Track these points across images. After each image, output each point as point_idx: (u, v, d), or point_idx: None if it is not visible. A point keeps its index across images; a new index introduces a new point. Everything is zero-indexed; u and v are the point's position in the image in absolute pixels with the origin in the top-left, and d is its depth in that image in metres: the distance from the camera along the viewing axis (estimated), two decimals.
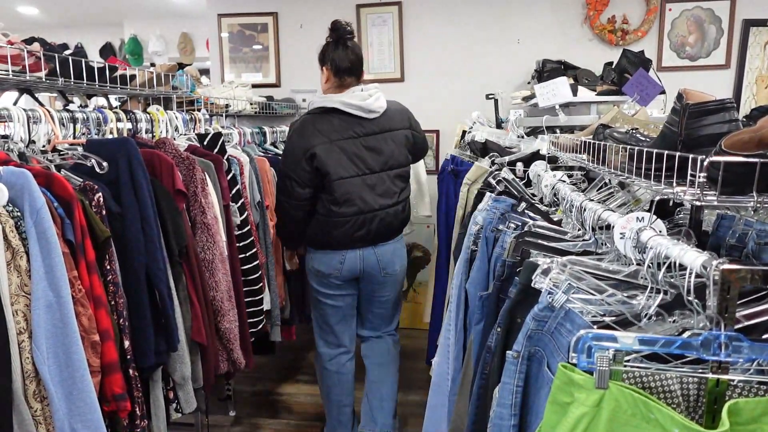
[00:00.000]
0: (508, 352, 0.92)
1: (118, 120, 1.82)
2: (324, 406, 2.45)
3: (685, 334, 0.71)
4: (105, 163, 1.47)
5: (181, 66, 3.43)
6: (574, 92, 2.63)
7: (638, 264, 0.89)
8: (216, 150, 2.13)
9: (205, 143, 2.14)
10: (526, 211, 1.41)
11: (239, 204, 2.17)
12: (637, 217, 0.91)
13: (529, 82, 3.57)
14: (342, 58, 2.15)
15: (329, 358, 2.36)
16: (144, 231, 1.50)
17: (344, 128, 2.09)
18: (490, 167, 2.07)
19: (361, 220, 2.11)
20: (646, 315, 0.80)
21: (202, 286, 1.77)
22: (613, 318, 0.82)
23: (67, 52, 1.97)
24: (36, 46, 1.65)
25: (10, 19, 5.32)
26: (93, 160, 1.47)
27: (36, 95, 2.03)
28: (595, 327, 0.79)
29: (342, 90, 2.16)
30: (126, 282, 1.46)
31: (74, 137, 1.66)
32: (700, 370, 0.71)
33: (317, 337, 2.39)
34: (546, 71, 3.22)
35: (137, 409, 1.45)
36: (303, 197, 2.11)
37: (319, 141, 2.06)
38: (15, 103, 1.84)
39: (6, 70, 1.54)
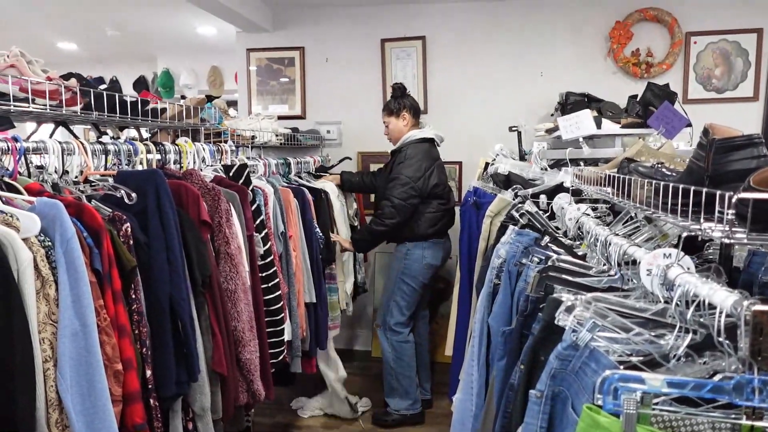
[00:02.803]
0: (531, 391, 0.89)
1: (148, 152, 1.87)
2: (397, 382, 3.09)
3: (717, 377, 0.69)
4: (134, 194, 1.50)
5: (209, 98, 3.52)
6: (598, 125, 2.62)
7: (666, 302, 0.86)
8: (241, 181, 2.16)
9: (231, 174, 2.18)
10: (549, 245, 1.39)
11: (263, 234, 2.19)
12: (665, 253, 0.88)
13: (552, 115, 3.57)
14: (415, 103, 3.17)
15: (408, 332, 3.10)
16: (169, 261, 1.52)
17: (435, 152, 3.12)
18: (513, 199, 2.06)
19: (450, 214, 3.12)
20: (674, 356, 0.78)
21: (224, 316, 1.78)
22: (641, 358, 0.79)
23: (102, 86, 2.04)
24: (73, 81, 1.71)
25: (51, 54, 5.55)
26: (122, 191, 1.50)
27: (71, 127, 2.09)
28: (621, 367, 0.77)
29: (418, 127, 3.13)
30: (150, 311, 1.48)
31: (105, 168, 1.71)
32: (733, 416, 0.68)
33: (397, 317, 3.07)
34: (569, 104, 3.22)
35: None
36: (415, 204, 2.96)
37: (433, 162, 3.04)
38: (51, 136, 1.90)
39: (44, 105, 1.60)
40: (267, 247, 2.21)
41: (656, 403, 0.69)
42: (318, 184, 3.22)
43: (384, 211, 2.94)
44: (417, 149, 3.00)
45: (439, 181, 3.06)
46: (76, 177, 1.57)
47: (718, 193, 0.77)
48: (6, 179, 1.36)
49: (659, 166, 1.27)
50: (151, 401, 1.43)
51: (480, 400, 1.48)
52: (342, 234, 3.22)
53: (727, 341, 0.71)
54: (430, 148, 3.09)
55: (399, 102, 3.09)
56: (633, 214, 1.34)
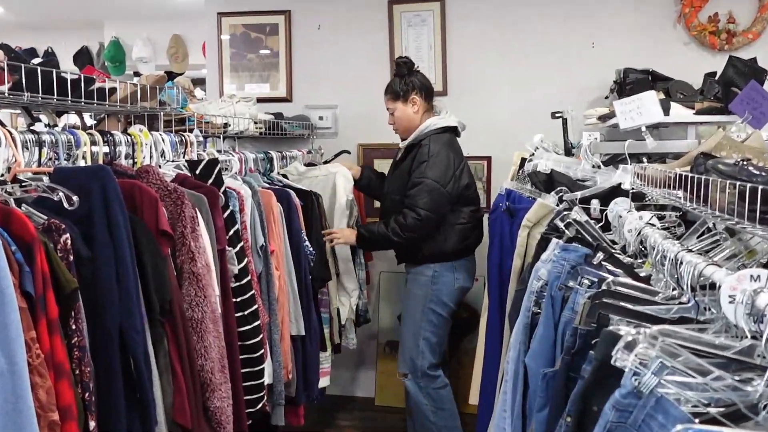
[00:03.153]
0: None
1: (93, 143, 1.88)
2: None
3: None
4: (75, 197, 1.51)
5: (170, 76, 3.56)
6: (666, 110, 2.62)
7: (754, 337, 0.86)
8: (211, 181, 2.17)
9: (197, 172, 2.19)
10: (603, 264, 1.39)
11: (237, 249, 2.20)
12: (752, 275, 0.88)
13: (606, 97, 3.57)
14: (426, 81, 3.18)
15: (443, 380, 3.17)
16: (119, 282, 1.52)
17: (458, 145, 3.17)
18: (557, 205, 2.05)
19: (481, 224, 3.19)
20: (765, 406, 0.77)
21: (188, 353, 1.78)
22: (721, 409, 0.79)
23: (36, 60, 2.07)
24: None
25: None
26: (61, 193, 1.51)
27: None
28: (696, 421, 0.77)
29: (431, 114, 3.17)
30: (94, 345, 1.48)
31: (39, 164, 1.72)
32: None
33: (430, 358, 3.10)
34: (629, 83, 3.22)
35: None
36: (444, 214, 3.02)
37: (461, 158, 3.13)
38: None
39: None
40: (243, 265, 2.21)
41: None
42: (330, 168, 3.24)
43: (407, 221, 2.96)
44: (441, 143, 3.04)
45: (470, 181, 3.12)
46: (2, 175, 1.58)
47: None
48: None
49: (745, 163, 1.27)
50: None
51: None
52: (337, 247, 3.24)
53: None
54: (453, 139, 3.13)
55: (406, 82, 3.11)
56: (711, 225, 1.34)
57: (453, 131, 3.15)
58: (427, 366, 3.09)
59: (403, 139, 3.22)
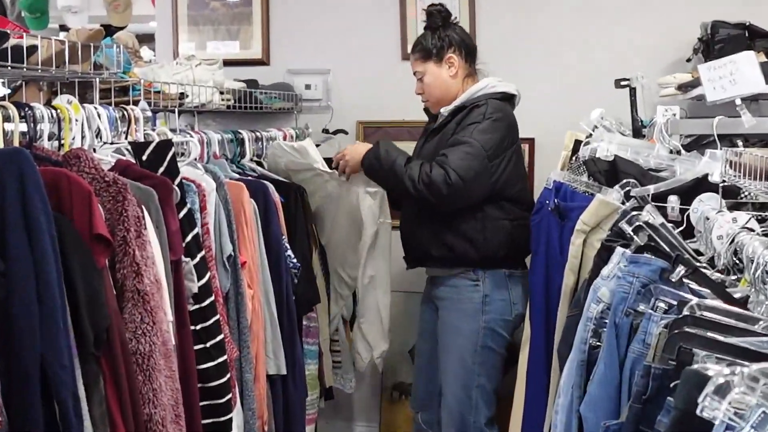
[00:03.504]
0: None
1: (6, 119, 1.88)
2: None
3: None
4: None
5: (109, 31, 3.55)
6: None
7: None
8: (162, 169, 2.17)
9: (144, 158, 2.19)
10: (685, 281, 1.39)
11: (197, 260, 2.20)
12: None
13: (689, 60, 3.56)
14: (468, 38, 3.27)
15: None
16: (40, 301, 1.52)
17: None
18: (623, 203, 2.05)
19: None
20: None
21: (131, 397, 1.78)
22: None
23: None
24: None
25: None
26: None
27: None
28: None
29: (474, 80, 3.18)
30: (8, 387, 1.48)
31: None
32: None
33: (485, 411, 3.08)
34: (719, 41, 3.21)
35: None
36: (479, 194, 2.97)
37: (518, 140, 3.18)
38: None
39: None
40: (204, 281, 2.22)
41: None
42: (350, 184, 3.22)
43: (432, 174, 2.88)
44: (499, 109, 3.05)
45: (523, 172, 3.17)
46: None
47: None
48: None
49: None
50: None
51: None
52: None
53: None
54: (512, 112, 3.15)
55: (440, 37, 3.11)
56: None
57: (510, 101, 3.18)
58: (483, 422, 3.06)
59: (430, 117, 3.24)
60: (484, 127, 2.94)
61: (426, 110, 3.31)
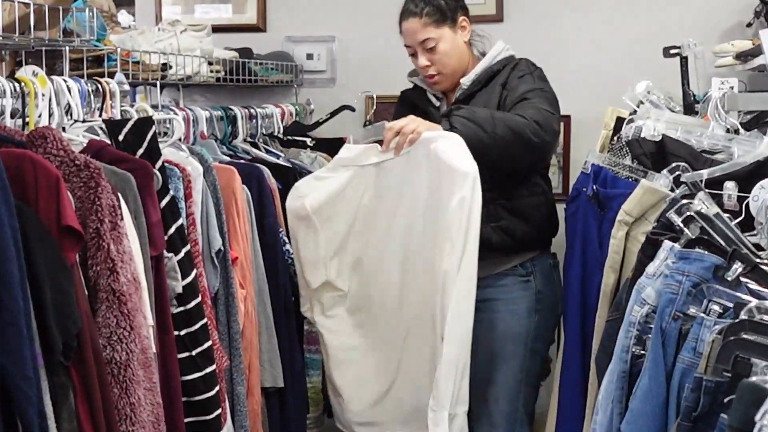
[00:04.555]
0: None
1: None
2: None
3: None
4: None
5: None
6: None
7: None
8: (141, 151, 2.18)
9: (121, 138, 2.19)
10: (743, 281, 1.38)
11: (182, 255, 2.21)
12: None
13: (749, 25, 3.54)
14: None
15: None
16: (0, 304, 1.53)
17: None
18: (672, 191, 2.04)
19: None
20: None
21: (105, 413, 1.79)
22: None
23: None
24: None
25: None
26: None
27: None
28: None
29: (473, 45, 3.15)
30: None
31: None
32: None
33: (528, 428, 3.10)
34: None
35: None
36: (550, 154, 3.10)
37: None
38: None
39: None
40: (190, 279, 2.22)
41: None
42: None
43: (526, 116, 2.79)
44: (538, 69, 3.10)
45: None
46: None
47: None
48: None
49: None
50: None
51: None
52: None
53: None
54: None
55: None
56: None
57: None
58: None
59: (437, 96, 3.17)
60: (540, 74, 3.01)
61: (414, 88, 3.24)
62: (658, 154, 2.37)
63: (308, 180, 2.85)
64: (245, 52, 3.78)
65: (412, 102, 3.19)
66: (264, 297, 2.72)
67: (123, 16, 3.62)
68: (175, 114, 2.69)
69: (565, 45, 3.85)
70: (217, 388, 2.28)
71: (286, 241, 2.89)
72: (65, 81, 2.20)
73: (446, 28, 3.01)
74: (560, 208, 3.11)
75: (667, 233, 1.73)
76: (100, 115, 2.33)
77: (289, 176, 3.03)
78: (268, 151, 3.21)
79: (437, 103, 3.13)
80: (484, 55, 3.09)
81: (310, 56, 4.08)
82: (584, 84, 3.80)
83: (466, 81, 3.02)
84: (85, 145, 2.06)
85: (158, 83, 3.12)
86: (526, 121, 2.71)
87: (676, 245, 1.59)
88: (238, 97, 3.80)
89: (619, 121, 3.03)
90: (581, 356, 2.48)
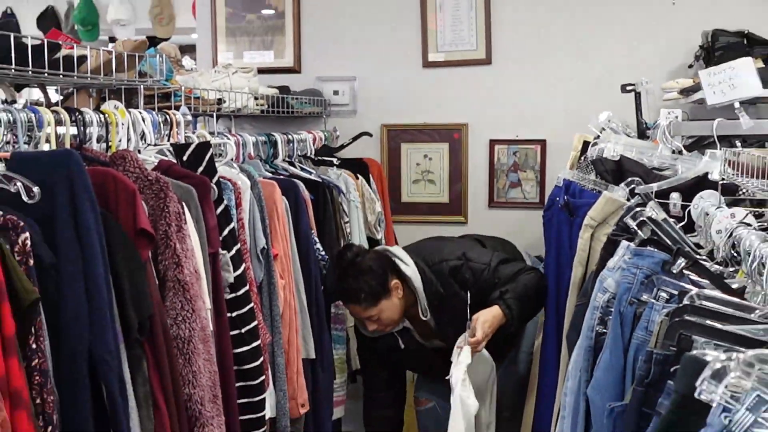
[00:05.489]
0: None
1: (59, 123, 1.89)
2: None
3: None
4: (36, 189, 1.52)
5: (153, 42, 3.58)
6: (766, 82, 2.58)
7: None
8: (201, 169, 2.18)
9: (185, 158, 2.20)
10: (685, 273, 1.38)
11: (233, 252, 2.21)
12: None
13: (690, 66, 3.53)
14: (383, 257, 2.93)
15: None
16: (88, 293, 1.53)
17: None
18: (628, 200, 2.04)
19: None
20: None
21: (172, 380, 1.79)
22: None
23: None
24: None
25: None
26: (19, 184, 1.53)
27: None
28: None
29: (404, 288, 2.85)
30: (59, 370, 1.50)
31: None
32: None
33: None
34: (719, 49, 3.18)
35: None
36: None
37: None
38: None
39: None
40: (240, 272, 2.22)
41: None
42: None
43: (537, 274, 2.83)
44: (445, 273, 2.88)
45: None
46: None
47: None
48: None
49: None
50: None
51: None
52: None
53: None
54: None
55: (375, 277, 2.78)
56: None
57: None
58: None
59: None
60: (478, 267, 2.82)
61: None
62: (617, 171, 2.36)
63: None
64: (284, 89, 3.79)
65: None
66: (299, 286, 2.72)
67: (186, 61, 3.62)
68: (228, 139, 2.69)
69: (543, 82, 3.85)
70: (261, 359, 2.28)
71: (317, 241, 2.89)
72: (140, 113, 2.21)
73: (383, 301, 2.76)
74: (538, 215, 3.12)
75: (624, 234, 1.72)
76: (168, 140, 2.34)
77: (319, 189, 3.03)
78: (302, 169, 3.21)
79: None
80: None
81: (336, 92, 4.08)
82: (557, 114, 3.80)
83: (423, 315, 2.84)
84: (156, 164, 2.06)
85: (214, 114, 3.13)
86: (540, 278, 2.74)
87: (632, 244, 1.58)
88: (278, 125, 3.81)
89: (585, 144, 3.03)
90: (556, 334, 2.48)
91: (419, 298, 2.80)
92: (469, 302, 2.65)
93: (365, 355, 3.10)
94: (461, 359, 2.48)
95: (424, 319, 2.84)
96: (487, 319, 2.57)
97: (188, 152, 2.22)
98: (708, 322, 1.12)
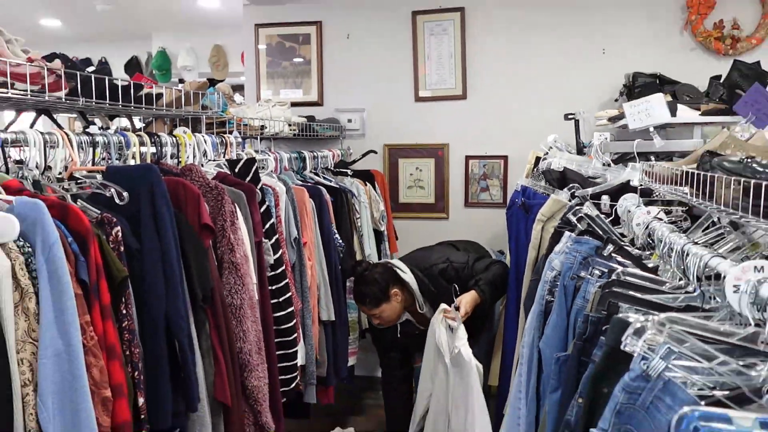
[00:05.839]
0: (592, 430, 0.88)
1: (142, 144, 1.90)
2: None
3: None
4: (125, 193, 1.53)
5: (212, 83, 3.58)
6: (673, 112, 2.58)
7: (758, 325, 0.84)
8: (249, 178, 2.19)
9: (236, 170, 2.21)
10: (613, 255, 1.37)
11: (273, 240, 2.21)
12: (756, 266, 0.86)
13: (616, 100, 3.52)
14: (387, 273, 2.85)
15: None
16: (165, 272, 1.54)
17: None
18: (570, 201, 2.03)
19: None
20: None
21: (227, 337, 1.80)
22: (726, 392, 0.77)
23: (90, 68, 2.09)
24: (57, 63, 1.75)
25: (32, 33, 5.70)
26: (112, 190, 1.53)
27: (54, 116, 2.14)
28: (702, 403, 0.75)
29: (404, 290, 2.87)
30: (143, 330, 1.50)
31: (93, 163, 1.74)
32: None
33: None
34: (638, 87, 3.17)
35: None
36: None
37: None
38: (32, 126, 1.95)
39: (24, 90, 1.64)
40: (278, 255, 2.23)
41: None
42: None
43: (501, 266, 2.83)
44: (436, 271, 2.88)
45: None
46: (60, 173, 1.61)
47: None
48: None
49: (749, 160, 1.24)
50: None
51: None
52: (364, 241, 3.22)
53: None
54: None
55: (379, 281, 2.79)
56: (716, 219, 1.31)
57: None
58: None
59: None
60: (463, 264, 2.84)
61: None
62: (561, 179, 2.36)
63: None
64: (310, 118, 3.78)
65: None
66: (323, 266, 2.72)
67: (237, 97, 3.62)
68: (269, 156, 2.70)
69: (506, 112, 3.85)
70: (294, 321, 2.29)
71: (336, 232, 2.89)
72: (203, 136, 2.21)
73: (384, 305, 2.79)
74: (502, 212, 3.12)
75: (567, 227, 1.72)
76: (224, 157, 2.34)
77: (337, 193, 3.03)
78: (324, 178, 3.20)
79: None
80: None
81: (349, 120, 4.07)
82: (517, 136, 3.80)
83: (420, 309, 2.88)
84: (214, 174, 2.07)
85: (258, 137, 3.13)
86: (504, 269, 2.75)
87: (573, 234, 1.59)
88: (305, 145, 3.81)
89: (538, 159, 3.02)
90: (516, 302, 2.47)
91: (416, 297, 2.84)
92: (457, 293, 2.69)
93: (379, 344, 3.10)
94: (460, 335, 2.48)
95: (421, 312, 2.87)
96: (468, 300, 2.62)
97: (239, 166, 2.23)
98: (630, 292, 1.12)
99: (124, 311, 1.43)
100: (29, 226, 1.22)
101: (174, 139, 2.06)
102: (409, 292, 2.85)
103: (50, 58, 1.82)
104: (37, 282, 1.20)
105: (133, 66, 6.27)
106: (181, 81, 5.72)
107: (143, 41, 6.11)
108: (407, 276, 2.83)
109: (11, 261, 1.17)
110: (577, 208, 1.74)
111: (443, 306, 2.61)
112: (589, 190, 2.00)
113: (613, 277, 1.21)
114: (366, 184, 3.45)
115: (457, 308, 2.56)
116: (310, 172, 3.17)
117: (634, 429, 0.84)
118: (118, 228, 1.45)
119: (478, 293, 2.67)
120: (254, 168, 2.23)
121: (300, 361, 2.39)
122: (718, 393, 0.78)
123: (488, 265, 2.82)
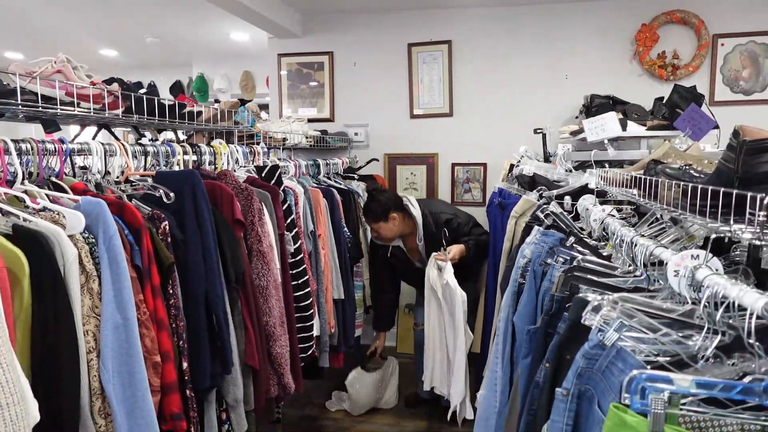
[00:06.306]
0: (557, 389, 0.88)
1: (185, 153, 1.90)
2: None
3: (746, 379, 0.67)
4: (172, 194, 1.53)
5: (242, 102, 3.57)
6: (623, 127, 2.57)
7: (693, 303, 0.84)
8: (273, 181, 2.19)
9: (263, 175, 2.20)
10: (574, 246, 1.37)
11: (293, 233, 2.21)
12: (692, 255, 0.86)
13: (577, 117, 3.52)
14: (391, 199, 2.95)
15: None
16: (204, 258, 1.54)
17: None
18: (538, 200, 2.03)
19: None
20: (703, 356, 0.76)
21: (256, 312, 1.80)
22: (668, 358, 0.78)
23: (142, 90, 2.09)
24: (115, 86, 1.75)
25: (93, 61, 5.70)
26: (161, 191, 1.53)
27: (112, 130, 2.14)
28: (648, 367, 0.75)
29: (404, 214, 2.93)
30: (186, 306, 1.50)
31: (145, 169, 1.74)
32: (763, 418, 0.66)
33: None
34: (594, 106, 3.17)
35: (192, 429, 1.46)
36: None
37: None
38: (94, 138, 1.95)
39: (88, 108, 1.64)
40: (297, 245, 2.23)
41: (684, 404, 0.68)
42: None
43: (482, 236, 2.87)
44: (433, 210, 2.96)
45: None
46: (118, 177, 1.61)
47: (749, 194, 0.74)
48: (53, 179, 1.40)
49: (687, 167, 1.24)
50: (187, 392, 1.46)
51: (504, 397, 1.47)
52: (368, 233, 3.22)
53: (758, 343, 0.69)
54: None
55: (382, 203, 2.85)
56: (658, 216, 1.31)
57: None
58: None
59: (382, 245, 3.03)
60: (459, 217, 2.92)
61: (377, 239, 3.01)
62: (531, 182, 2.36)
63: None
64: (323, 132, 3.77)
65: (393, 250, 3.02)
66: (334, 254, 2.72)
67: (263, 114, 3.62)
68: (289, 163, 2.69)
69: (486, 127, 3.84)
70: (311, 299, 2.29)
71: (344, 226, 2.89)
72: (235, 147, 2.21)
73: (381, 223, 2.86)
74: (482, 210, 3.12)
75: (536, 222, 1.72)
76: (252, 164, 2.34)
77: (346, 194, 3.02)
78: (335, 181, 3.20)
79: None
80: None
81: (356, 133, 4.07)
82: (496, 147, 3.80)
83: (419, 241, 2.93)
84: (245, 178, 2.07)
85: (281, 148, 3.12)
86: (485, 236, 2.82)
87: (541, 228, 1.59)
88: (320, 154, 3.80)
89: (511, 166, 3.02)
90: (494, 284, 2.47)
91: (418, 229, 2.90)
92: (447, 238, 2.82)
93: (372, 266, 3.16)
94: (447, 270, 2.61)
95: (418, 243, 2.94)
96: (456, 249, 2.75)
97: (265, 171, 2.22)
98: (588, 276, 1.12)
99: (171, 291, 1.43)
100: (93, 220, 1.22)
101: (211, 149, 2.06)
102: (413, 223, 2.90)
103: (109, 81, 1.82)
104: (100, 267, 1.20)
105: (176, 88, 6.26)
106: (217, 101, 5.70)
107: (185, 68, 6.10)
108: (416, 212, 2.89)
109: (78, 249, 1.17)
110: (545, 206, 1.74)
111: (435, 254, 2.72)
112: (554, 192, 2.00)
113: (575, 263, 1.21)
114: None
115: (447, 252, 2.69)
116: (324, 176, 3.17)
117: (592, 388, 0.84)
118: (166, 222, 1.45)
119: (466, 247, 2.78)
120: (278, 173, 2.23)
121: (315, 332, 2.39)
122: (661, 359, 0.78)
123: (481, 233, 2.90)
